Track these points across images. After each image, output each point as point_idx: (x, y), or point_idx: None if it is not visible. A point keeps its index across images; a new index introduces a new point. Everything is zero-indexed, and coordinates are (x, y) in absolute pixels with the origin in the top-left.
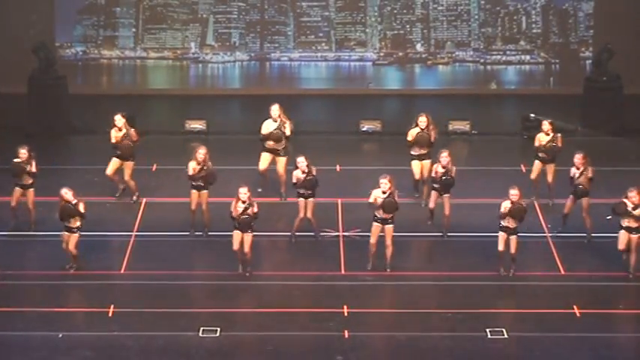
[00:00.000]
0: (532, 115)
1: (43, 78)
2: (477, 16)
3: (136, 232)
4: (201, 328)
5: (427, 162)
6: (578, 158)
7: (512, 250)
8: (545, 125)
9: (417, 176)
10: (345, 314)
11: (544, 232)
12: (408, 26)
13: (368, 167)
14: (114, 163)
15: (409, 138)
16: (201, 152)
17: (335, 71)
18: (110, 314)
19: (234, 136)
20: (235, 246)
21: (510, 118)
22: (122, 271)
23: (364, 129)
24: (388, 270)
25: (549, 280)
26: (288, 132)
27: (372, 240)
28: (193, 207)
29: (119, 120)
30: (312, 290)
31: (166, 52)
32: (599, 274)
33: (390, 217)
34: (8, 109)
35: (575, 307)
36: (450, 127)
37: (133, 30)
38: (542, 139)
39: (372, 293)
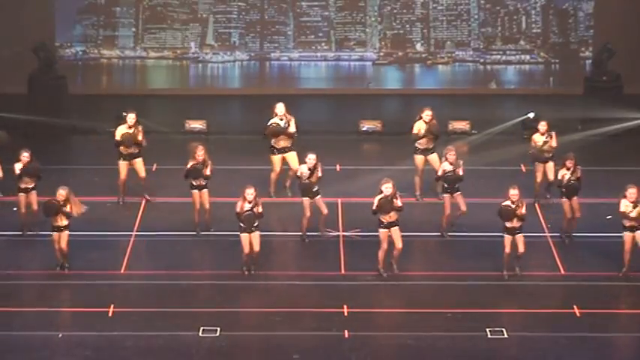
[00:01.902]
0: (531, 114)
1: (43, 78)
2: (476, 16)
3: (136, 232)
4: (201, 328)
5: (433, 155)
6: (569, 160)
7: (521, 249)
8: (543, 126)
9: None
10: (345, 314)
11: (544, 232)
12: (407, 26)
13: (368, 167)
14: (123, 167)
15: (415, 131)
16: (200, 151)
17: (335, 71)
18: (110, 314)
19: (234, 135)
20: (246, 249)
21: (510, 118)
22: (122, 271)
23: (364, 129)
24: (396, 270)
25: (549, 280)
26: (293, 129)
27: (385, 246)
28: (197, 207)
29: (131, 118)
30: (312, 290)
31: (166, 51)
32: (600, 273)
33: (395, 219)
34: (8, 109)
35: (575, 307)
36: (450, 127)
37: (133, 30)
38: (537, 139)
39: (371, 293)
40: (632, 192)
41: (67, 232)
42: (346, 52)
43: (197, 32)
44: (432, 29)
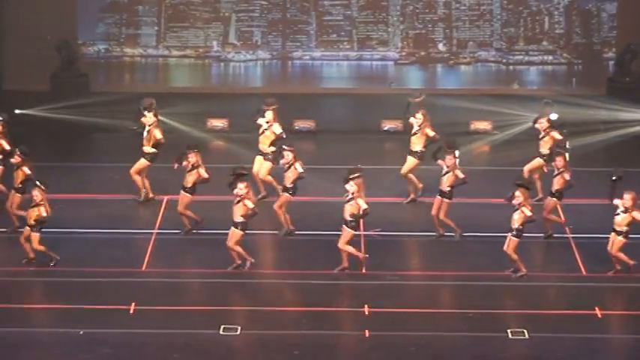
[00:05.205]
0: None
1: (66, 76)
2: (499, 16)
3: (158, 229)
4: (222, 326)
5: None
6: (559, 160)
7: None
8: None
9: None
10: (366, 314)
11: (566, 233)
12: (430, 26)
13: (389, 167)
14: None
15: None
16: (192, 156)
17: (357, 70)
18: (131, 311)
19: (255, 134)
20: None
21: (532, 119)
22: (143, 269)
23: (386, 128)
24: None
25: (570, 280)
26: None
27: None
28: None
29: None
30: (333, 289)
31: (188, 50)
32: (621, 275)
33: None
34: (30, 106)
35: (596, 308)
36: (472, 127)
37: (156, 28)
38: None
39: (392, 293)
40: None
41: (36, 234)
42: (368, 51)
43: (219, 31)
44: (455, 29)
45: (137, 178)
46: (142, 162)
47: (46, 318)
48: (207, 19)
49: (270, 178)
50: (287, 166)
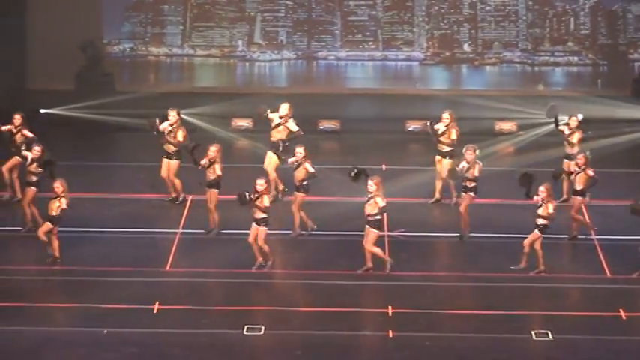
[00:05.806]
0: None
1: (90, 75)
2: (524, 17)
3: (182, 229)
4: (246, 326)
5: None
6: (579, 158)
7: None
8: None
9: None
10: (390, 314)
11: (590, 234)
12: (455, 26)
13: (414, 167)
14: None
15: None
16: (212, 150)
17: (382, 70)
18: (155, 311)
19: None
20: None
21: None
22: (167, 268)
23: (410, 129)
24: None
25: (595, 282)
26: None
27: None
28: (208, 205)
29: (173, 116)
30: (357, 290)
31: (214, 50)
32: None
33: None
34: (55, 105)
35: (621, 309)
36: (497, 128)
37: (181, 28)
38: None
39: (416, 293)
40: None
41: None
42: (393, 51)
43: (244, 31)
44: (480, 30)
45: (177, 182)
46: (174, 163)
47: (69, 317)
48: (233, 19)
49: (274, 175)
50: (295, 165)
